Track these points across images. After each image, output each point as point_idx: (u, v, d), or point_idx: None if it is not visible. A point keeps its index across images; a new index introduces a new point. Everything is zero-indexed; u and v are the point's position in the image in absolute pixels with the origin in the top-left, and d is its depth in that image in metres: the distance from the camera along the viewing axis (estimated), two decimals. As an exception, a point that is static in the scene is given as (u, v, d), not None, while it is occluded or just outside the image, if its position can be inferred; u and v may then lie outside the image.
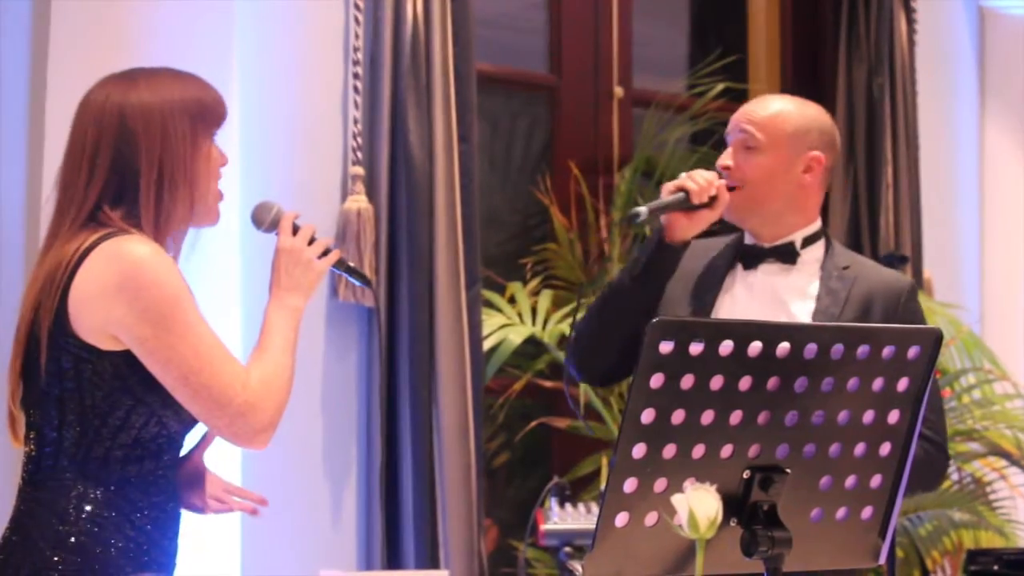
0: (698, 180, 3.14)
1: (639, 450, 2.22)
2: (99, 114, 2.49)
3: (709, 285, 3.23)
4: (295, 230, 2.63)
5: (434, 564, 4.16)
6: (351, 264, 2.76)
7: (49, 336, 2.42)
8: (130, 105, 2.47)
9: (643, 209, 3.08)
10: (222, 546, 3.82)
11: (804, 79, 5.75)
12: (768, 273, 3.24)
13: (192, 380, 2.40)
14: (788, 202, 3.25)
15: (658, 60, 5.67)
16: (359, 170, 4.20)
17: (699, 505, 2.09)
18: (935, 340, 2.36)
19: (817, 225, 3.29)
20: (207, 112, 2.51)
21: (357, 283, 2.78)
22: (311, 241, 2.62)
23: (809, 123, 3.28)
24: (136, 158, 2.46)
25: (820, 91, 5.69)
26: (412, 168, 4.21)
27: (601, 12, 5.21)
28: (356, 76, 4.23)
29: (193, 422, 2.50)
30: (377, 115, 4.23)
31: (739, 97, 5.58)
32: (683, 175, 3.16)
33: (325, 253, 2.64)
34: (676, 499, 2.12)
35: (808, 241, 3.26)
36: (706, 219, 3.15)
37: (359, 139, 4.22)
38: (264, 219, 2.66)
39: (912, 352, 2.34)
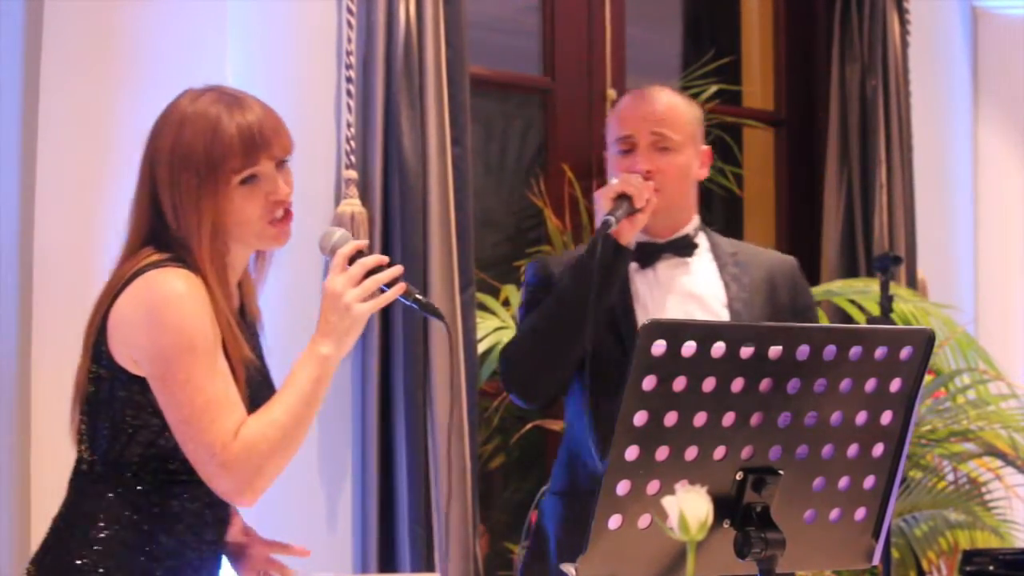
0: (636, 184, 3.10)
1: (632, 452, 2.22)
2: (146, 146, 2.56)
3: (620, 303, 3.18)
4: (352, 263, 2.52)
5: (429, 567, 4.15)
6: (419, 296, 2.56)
7: (92, 350, 2.50)
8: (156, 149, 2.53)
9: (612, 217, 3.04)
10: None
11: (797, 80, 5.76)
12: (668, 268, 3.23)
13: (182, 428, 2.44)
14: (690, 197, 3.26)
15: (651, 62, 5.67)
16: (352, 174, 4.20)
17: (689, 507, 2.09)
18: (927, 340, 2.36)
19: (698, 216, 3.30)
20: (216, 160, 2.48)
21: (430, 316, 2.58)
22: (368, 275, 2.51)
23: (697, 114, 3.29)
24: (161, 199, 2.52)
25: (813, 92, 5.70)
26: (406, 171, 4.21)
27: (594, 14, 5.21)
28: (349, 79, 4.23)
29: None
30: (370, 118, 4.22)
31: (732, 99, 5.59)
32: (615, 181, 3.11)
33: (391, 285, 2.51)
34: (667, 501, 2.12)
35: (696, 232, 3.27)
36: (641, 223, 3.13)
37: (352, 142, 4.22)
38: (324, 248, 2.58)
39: (904, 353, 2.35)
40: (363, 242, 2.58)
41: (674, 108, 3.24)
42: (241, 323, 2.58)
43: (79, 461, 2.55)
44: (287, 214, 2.56)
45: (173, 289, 2.44)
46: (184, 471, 2.49)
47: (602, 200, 3.11)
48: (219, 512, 2.58)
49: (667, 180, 3.18)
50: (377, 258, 2.53)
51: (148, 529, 2.48)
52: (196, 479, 2.49)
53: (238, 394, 2.46)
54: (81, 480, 2.53)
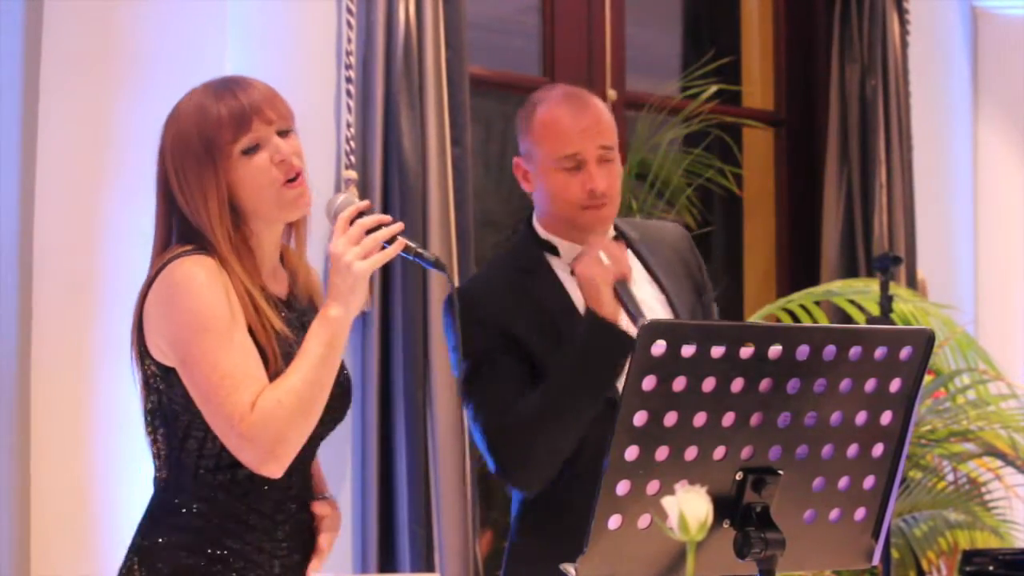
0: (621, 257, 2.87)
1: (632, 452, 2.22)
2: (158, 147, 2.59)
3: (563, 309, 2.95)
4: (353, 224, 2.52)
5: (429, 567, 4.16)
6: (420, 249, 2.55)
7: (138, 353, 2.54)
8: (161, 149, 2.57)
9: (646, 318, 2.76)
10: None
11: (797, 80, 5.76)
12: None
13: (204, 406, 2.47)
14: None
15: (651, 62, 5.67)
16: (352, 174, 4.20)
17: (689, 507, 2.09)
18: (927, 340, 2.36)
19: None
20: (209, 137, 2.51)
21: (432, 268, 2.57)
22: (371, 233, 2.50)
23: (609, 112, 3.09)
24: (173, 193, 2.55)
25: (813, 92, 5.70)
26: (405, 171, 4.21)
27: (594, 14, 5.21)
28: (349, 80, 4.23)
29: None
30: (370, 118, 4.22)
31: (732, 99, 5.59)
32: (602, 254, 2.85)
33: (391, 242, 2.51)
34: (666, 501, 2.12)
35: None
36: None
37: (352, 142, 4.22)
38: (328, 213, 2.58)
39: (904, 353, 2.35)
40: (364, 203, 2.57)
41: (606, 114, 3.02)
42: (271, 298, 2.58)
43: (153, 471, 2.57)
44: (299, 177, 2.55)
45: (187, 275, 2.47)
46: (254, 473, 2.50)
47: (604, 288, 2.84)
48: (290, 508, 2.59)
49: (615, 192, 2.99)
50: (377, 217, 2.52)
51: (215, 536, 2.51)
52: (258, 478, 2.50)
53: (261, 368, 2.47)
54: (155, 491, 2.57)
